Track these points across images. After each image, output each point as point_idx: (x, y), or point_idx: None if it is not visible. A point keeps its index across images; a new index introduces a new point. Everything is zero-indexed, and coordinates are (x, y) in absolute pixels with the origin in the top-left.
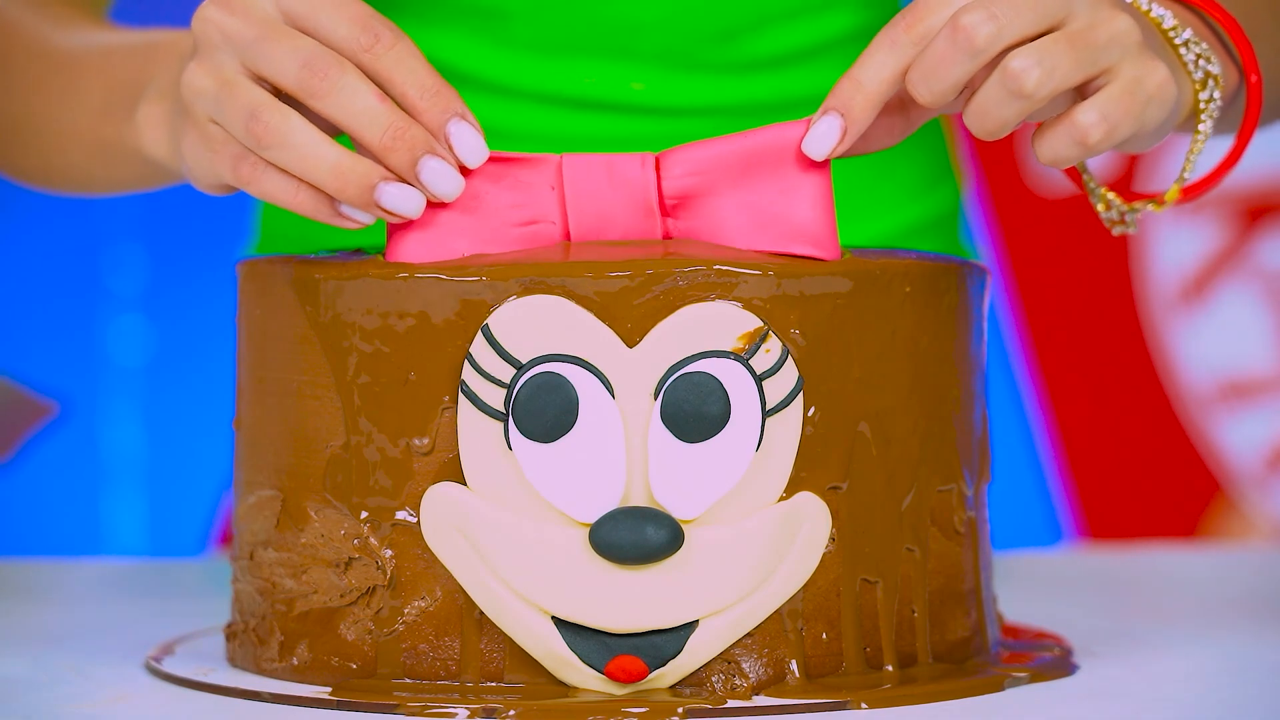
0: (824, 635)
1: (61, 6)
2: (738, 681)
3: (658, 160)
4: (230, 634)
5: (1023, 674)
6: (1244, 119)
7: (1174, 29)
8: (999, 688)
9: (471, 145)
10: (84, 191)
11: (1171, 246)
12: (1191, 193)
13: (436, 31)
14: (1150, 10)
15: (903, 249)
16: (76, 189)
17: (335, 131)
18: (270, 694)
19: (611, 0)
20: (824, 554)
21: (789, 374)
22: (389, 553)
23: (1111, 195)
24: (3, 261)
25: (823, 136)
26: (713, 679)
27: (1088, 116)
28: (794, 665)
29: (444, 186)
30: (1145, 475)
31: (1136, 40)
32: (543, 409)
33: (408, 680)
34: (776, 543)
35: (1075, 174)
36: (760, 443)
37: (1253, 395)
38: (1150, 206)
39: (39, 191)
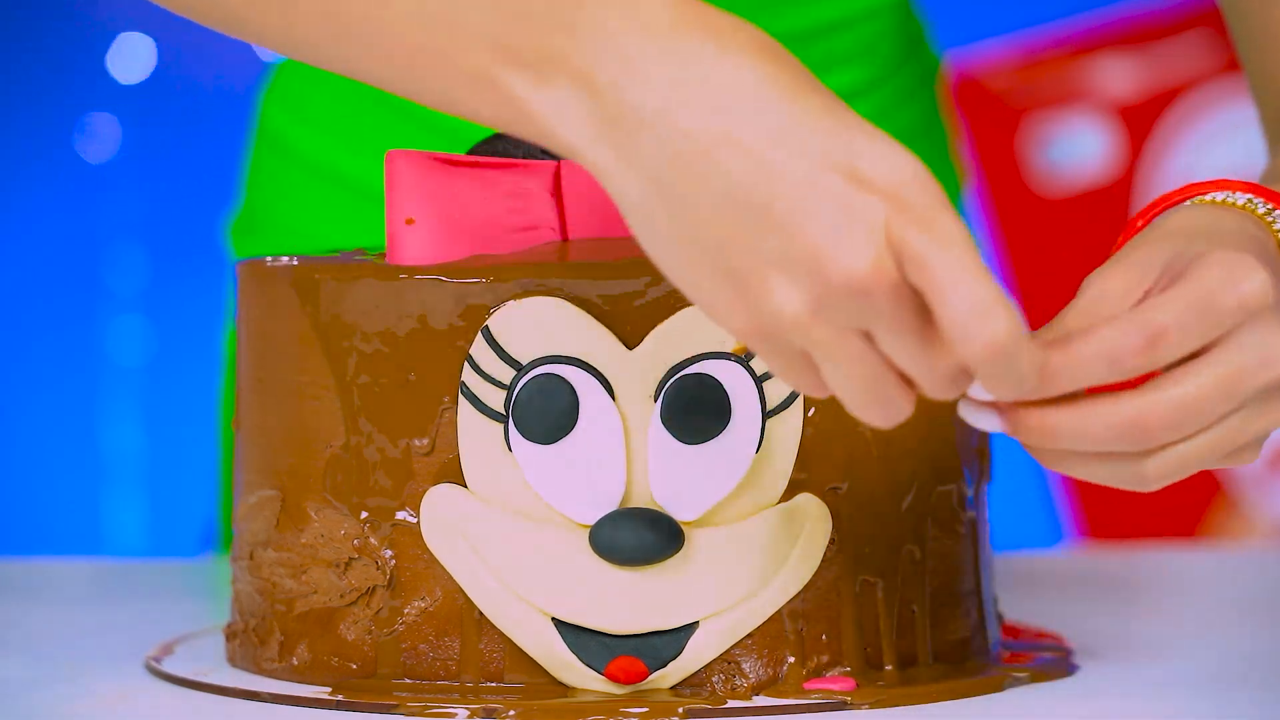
0: (824, 635)
1: None
2: (738, 681)
3: None
4: (230, 634)
5: (1023, 674)
6: None
7: None
8: (999, 688)
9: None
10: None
11: None
12: None
13: None
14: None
15: None
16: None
17: None
18: (270, 694)
19: None
20: (824, 554)
21: None
22: (389, 553)
23: None
24: (3, 261)
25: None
26: (713, 679)
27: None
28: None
29: None
30: None
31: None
32: (543, 410)
33: (408, 680)
34: (777, 544)
35: None
36: (760, 444)
37: None
38: None
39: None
